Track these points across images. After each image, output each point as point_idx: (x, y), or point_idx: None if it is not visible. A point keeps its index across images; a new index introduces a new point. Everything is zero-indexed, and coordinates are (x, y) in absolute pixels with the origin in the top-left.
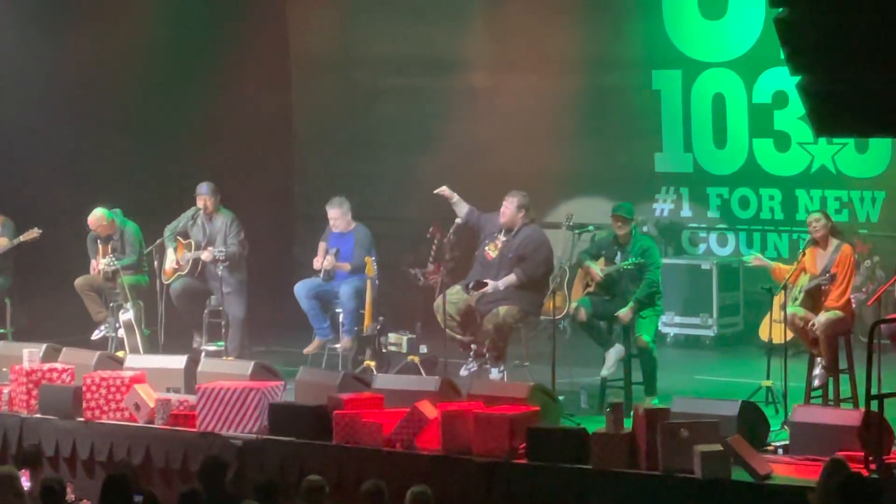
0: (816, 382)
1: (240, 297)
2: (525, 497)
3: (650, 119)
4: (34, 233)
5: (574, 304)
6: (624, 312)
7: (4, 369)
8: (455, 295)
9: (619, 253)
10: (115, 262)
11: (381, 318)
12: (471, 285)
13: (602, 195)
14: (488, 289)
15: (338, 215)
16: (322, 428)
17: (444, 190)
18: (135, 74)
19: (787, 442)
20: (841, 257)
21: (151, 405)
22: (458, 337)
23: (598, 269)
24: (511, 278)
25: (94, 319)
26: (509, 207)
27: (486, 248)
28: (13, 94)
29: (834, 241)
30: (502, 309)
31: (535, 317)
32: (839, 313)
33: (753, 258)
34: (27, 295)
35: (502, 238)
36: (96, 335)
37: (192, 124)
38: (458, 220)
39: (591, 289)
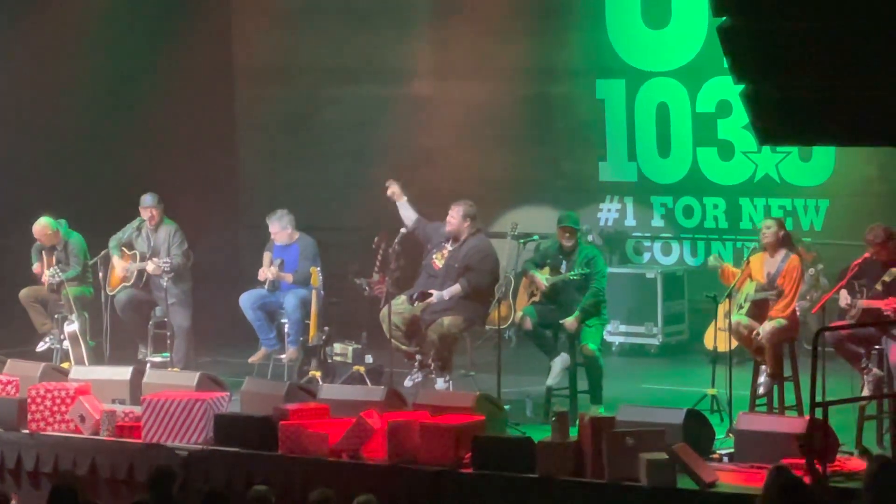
0: (761, 390)
1: (185, 308)
2: None
3: (594, 128)
4: None
5: (520, 314)
6: (570, 321)
7: None
8: (400, 305)
9: (564, 262)
10: (60, 274)
11: (326, 329)
12: (415, 296)
13: (547, 204)
14: (433, 299)
15: (277, 229)
16: (268, 438)
17: (393, 188)
18: (79, 85)
19: (732, 450)
20: (788, 268)
21: (97, 417)
22: (404, 347)
23: (543, 278)
24: (456, 289)
25: (38, 331)
26: (455, 217)
27: (434, 257)
28: None
29: (783, 251)
30: (447, 319)
31: (481, 326)
32: (784, 321)
33: (712, 256)
34: None
35: (449, 248)
36: (41, 346)
37: (137, 135)
38: (403, 230)
39: (536, 298)
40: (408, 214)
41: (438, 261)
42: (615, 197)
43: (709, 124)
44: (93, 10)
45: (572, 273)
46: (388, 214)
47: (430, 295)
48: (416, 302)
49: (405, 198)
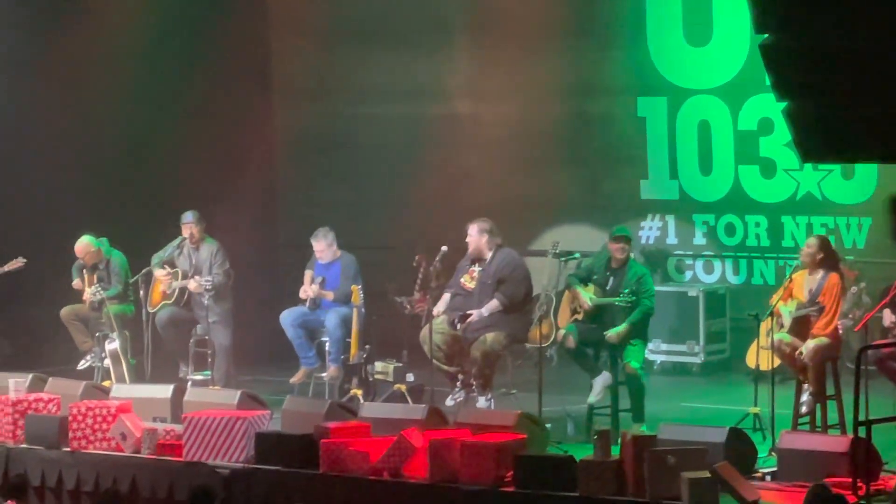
0: (804, 409)
1: (226, 326)
2: None
3: (636, 146)
4: (19, 262)
5: (562, 331)
6: (616, 332)
7: None
8: (441, 325)
9: (611, 278)
10: (102, 292)
11: (367, 347)
12: (457, 320)
13: (587, 223)
14: (473, 318)
15: (323, 247)
16: (309, 456)
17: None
18: (119, 104)
19: (774, 468)
20: (828, 285)
21: (138, 435)
22: (445, 367)
23: (588, 297)
24: (494, 304)
25: (79, 349)
26: (472, 235)
27: (462, 279)
28: None
29: (821, 270)
30: (489, 336)
31: (522, 343)
32: (826, 340)
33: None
34: (12, 325)
35: (477, 268)
36: (82, 365)
37: (177, 154)
38: (443, 248)
39: (578, 316)
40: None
41: (468, 282)
42: (657, 215)
43: (751, 142)
44: (133, 29)
45: (619, 298)
46: (427, 232)
47: (470, 315)
48: (459, 325)
49: None
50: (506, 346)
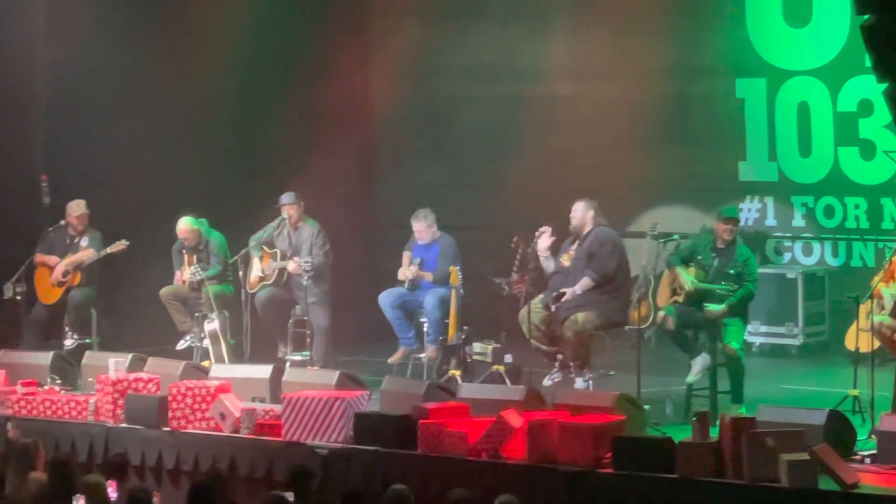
0: None
1: (324, 307)
2: None
3: (734, 128)
4: (122, 244)
5: (661, 313)
6: (716, 310)
7: (91, 379)
8: (540, 305)
9: (717, 259)
10: (201, 273)
11: (465, 328)
12: (552, 301)
13: (686, 204)
14: (567, 296)
15: (422, 228)
16: (407, 437)
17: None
18: (218, 86)
19: (874, 451)
20: None
21: (237, 415)
22: (544, 348)
23: (689, 279)
24: (585, 281)
25: (179, 329)
26: (578, 211)
27: (561, 258)
28: (98, 107)
29: None
30: (581, 315)
31: (618, 324)
32: None
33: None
34: (113, 305)
35: (573, 247)
36: (181, 345)
37: (276, 135)
38: (543, 228)
39: (678, 297)
40: (549, 264)
41: (566, 261)
42: (755, 197)
43: (850, 123)
44: (236, 10)
45: (721, 286)
46: (525, 214)
47: (564, 294)
48: (554, 306)
49: (548, 252)
50: (598, 327)
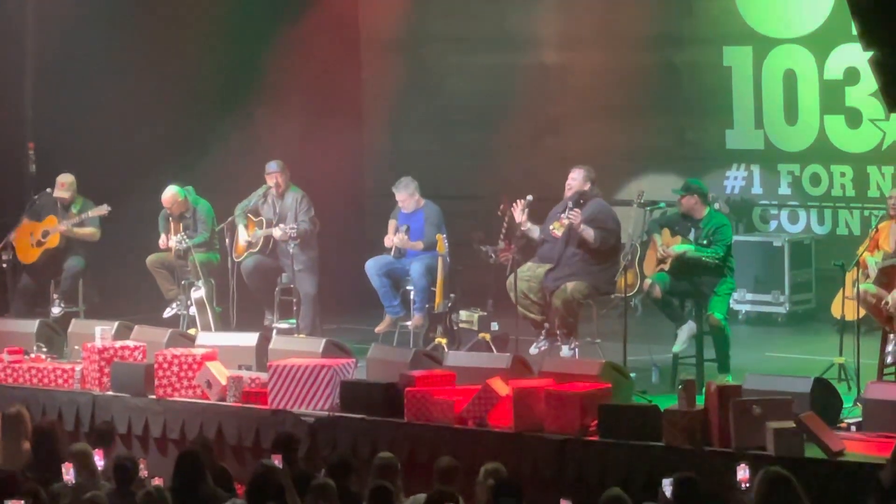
0: (889, 359)
1: (311, 275)
2: (596, 474)
3: (721, 96)
4: (103, 209)
5: (648, 281)
6: (684, 249)
7: (77, 347)
8: (527, 272)
9: (692, 229)
10: (187, 240)
11: (452, 296)
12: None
13: (673, 172)
14: (576, 221)
15: (405, 197)
16: (394, 405)
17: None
18: (206, 54)
19: (860, 419)
20: None
21: (223, 383)
22: (531, 316)
23: (660, 243)
24: (589, 232)
25: (165, 297)
26: (576, 178)
27: (552, 227)
28: (85, 74)
29: None
30: (570, 285)
31: (605, 294)
32: None
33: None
34: (99, 273)
35: (566, 215)
36: (168, 313)
37: (263, 103)
38: (528, 197)
39: (664, 265)
40: (533, 232)
41: (557, 229)
42: (742, 164)
43: (836, 92)
44: None
45: (690, 246)
46: (513, 182)
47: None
48: (567, 217)
49: (529, 223)
50: (587, 297)
